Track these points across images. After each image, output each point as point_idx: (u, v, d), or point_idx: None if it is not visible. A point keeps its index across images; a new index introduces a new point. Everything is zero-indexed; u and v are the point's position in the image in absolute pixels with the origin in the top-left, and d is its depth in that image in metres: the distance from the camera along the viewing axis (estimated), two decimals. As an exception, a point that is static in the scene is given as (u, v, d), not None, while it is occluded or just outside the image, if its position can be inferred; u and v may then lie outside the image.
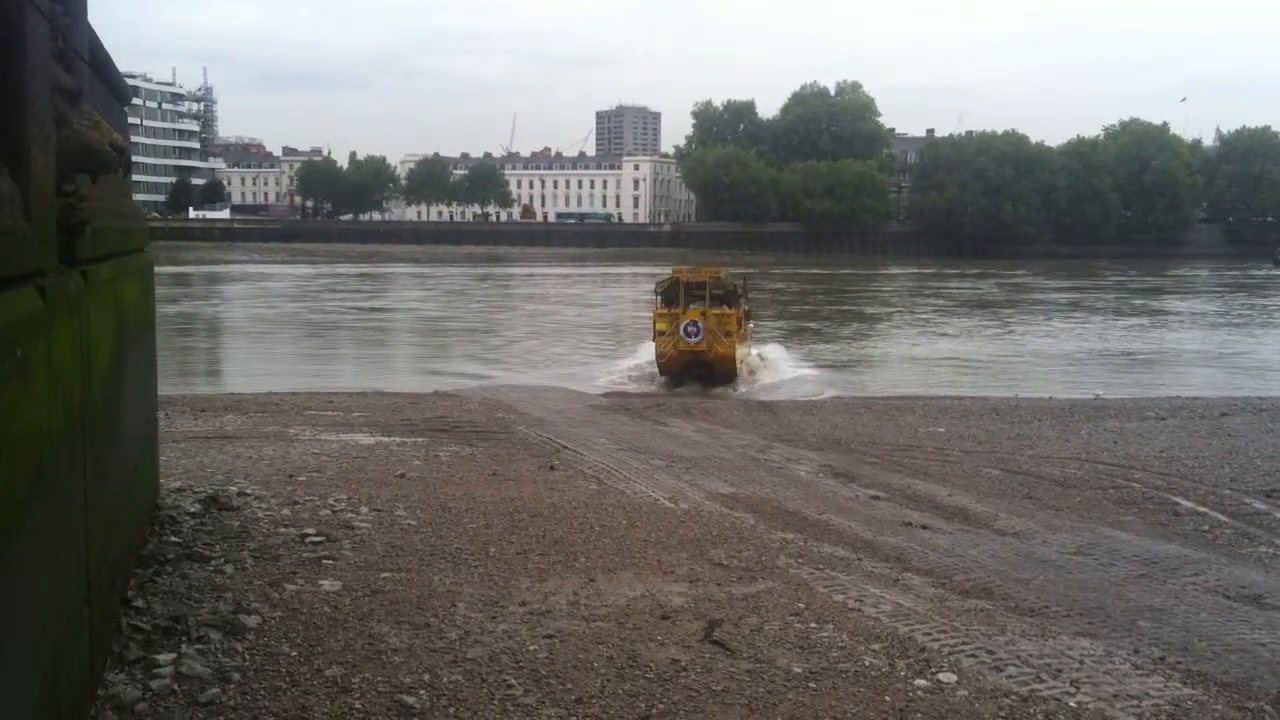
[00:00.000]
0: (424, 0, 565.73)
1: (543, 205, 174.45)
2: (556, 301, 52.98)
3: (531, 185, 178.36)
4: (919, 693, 5.29)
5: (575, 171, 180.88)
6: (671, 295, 23.05)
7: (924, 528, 9.11)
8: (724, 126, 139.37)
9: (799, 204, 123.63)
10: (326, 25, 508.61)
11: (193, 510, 8.05)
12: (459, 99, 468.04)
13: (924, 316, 45.63)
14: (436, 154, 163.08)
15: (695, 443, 13.92)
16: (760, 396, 20.95)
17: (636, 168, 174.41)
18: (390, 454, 11.83)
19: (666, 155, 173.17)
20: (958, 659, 5.76)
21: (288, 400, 17.09)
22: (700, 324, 21.58)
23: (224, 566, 6.74)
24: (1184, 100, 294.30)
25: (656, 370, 22.78)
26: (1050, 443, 14.35)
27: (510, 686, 5.14)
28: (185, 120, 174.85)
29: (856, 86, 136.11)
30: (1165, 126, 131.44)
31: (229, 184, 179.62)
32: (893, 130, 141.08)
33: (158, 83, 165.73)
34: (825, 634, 6.09)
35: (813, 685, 5.34)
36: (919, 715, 5.04)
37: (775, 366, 25.54)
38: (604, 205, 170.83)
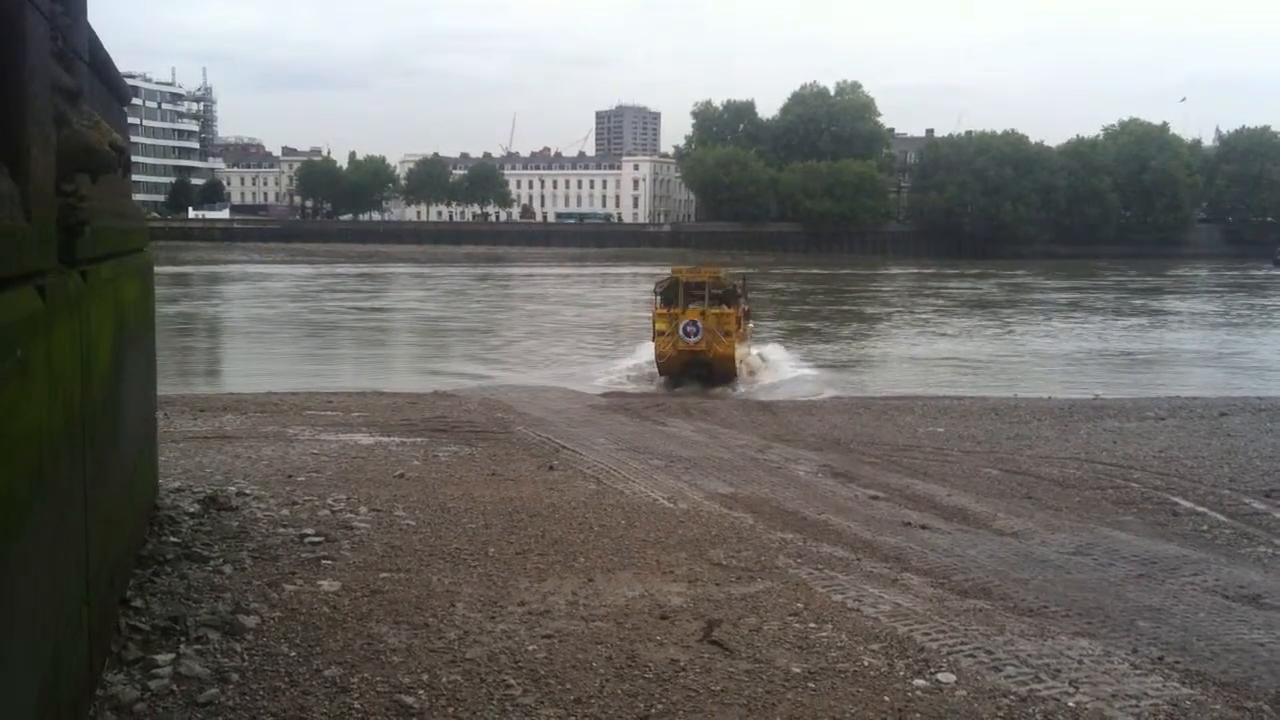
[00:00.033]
0: (423, 0, 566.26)
1: (542, 205, 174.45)
2: (556, 301, 52.98)
3: (531, 185, 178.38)
4: (918, 693, 5.30)
5: (575, 171, 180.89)
6: (671, 295, 23.05)
7: (923, 528, 9.12)
8: (724, 126, 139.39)
9: (799, 204, 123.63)
10: (326, 25, 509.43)
11: (192, 510, 8.05)
12: (458, 99, 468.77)
13: (923, 316, 45.63)
14: (436, 154, 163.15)
15: (694, 443, 13.93)
16: (759, 396, 20.94)
17: (636, 168, 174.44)
18: (389, 454, 11.83)
19: (666, 155, 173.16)
20: (956, 659, 5.77)
21: (287, 400, 17.09)
22: (699, 324, 21.58)
23: (223, 567, 6.74)
24: (1184, 100, 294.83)
25: (656, 370, 22.77)
26: (1049, 443, 14.35)
27: (509, 686, 5.15)
28: (185, 120, 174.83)
29: (856, 86, 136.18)
30: (1165, 126, 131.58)
31: (228, 184, 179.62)
32: (893, 130, 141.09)
33: (157, 83, 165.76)
34: (824, 634, 6.10)
35: (811, 685, 5.34)
36: (918, 715, 5.05)
37: (775, 366, 25.53)
38: (604, 205, 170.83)
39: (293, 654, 5.38)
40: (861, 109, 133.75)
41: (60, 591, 3.72)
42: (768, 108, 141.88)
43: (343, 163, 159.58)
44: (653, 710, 4.98)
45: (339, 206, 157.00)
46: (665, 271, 26.14)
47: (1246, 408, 18.14)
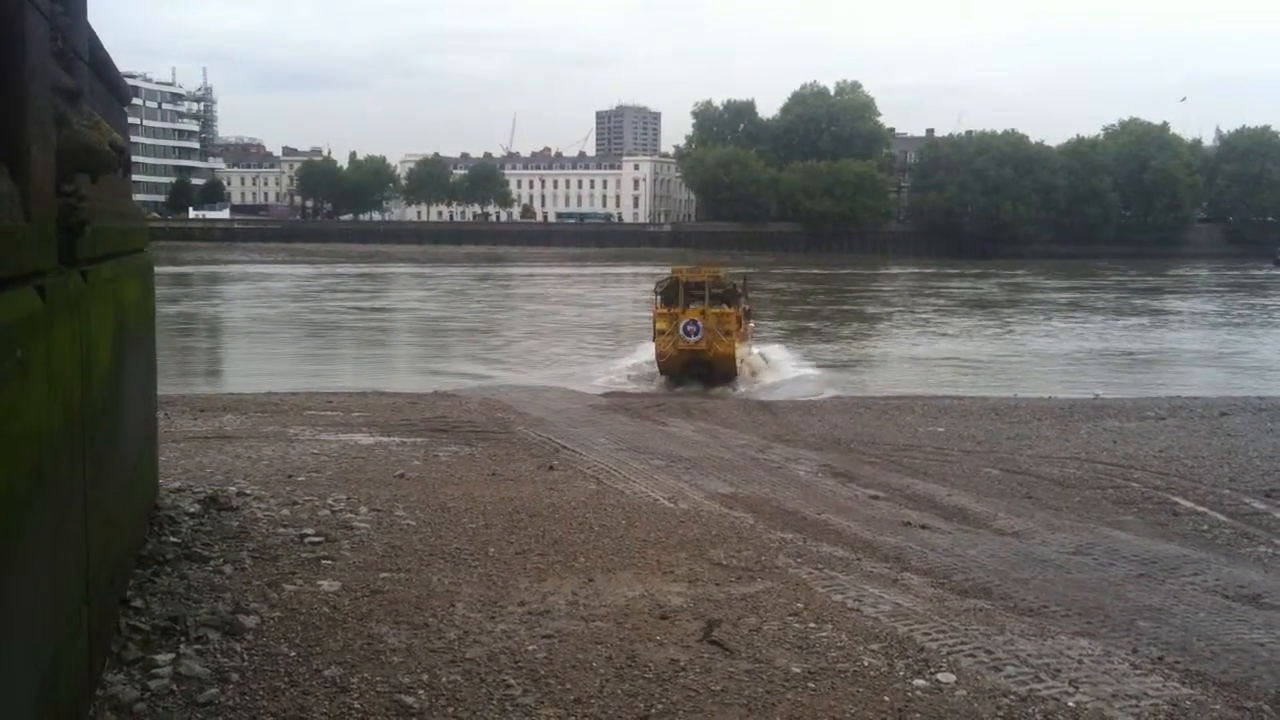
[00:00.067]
0: (423, 0, 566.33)
1: (543, 205, 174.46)
2: (556, 301, 52.98)
3: (531, 185, 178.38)
4: (918, 692, 5.30)
5: (575, 171, 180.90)
6: (671, 295, 23.04)
7: (923, 527, 9.12)
8: (724, 126, 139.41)
9: (799, 204, 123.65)
10: (326, 25, 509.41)
11: (192, 510, 8.05)
12: (458, 99, 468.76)
13: (924, 316, 45.63)
14: (436, 154, 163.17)
15: (695, 442, 13.93)
16: (760, 396, 20.95)
17: (636, 168, 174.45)
18: (390, 454, 11.83)
19: (666, 155, 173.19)
20: (956, 659, 5.77)
21: (287, 400, 17.09)
22: (700, 323, 21.58)
23: (223, 567, 6.74)
24: (1184, 100, 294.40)
25: (656, 370, 22.78)
26: (1050, 442, 14.35)
27: (509, 686, 5.15)
28: (185, 120, 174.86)
29: (856, 86, 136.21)
30: (1165, 126, 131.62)
31: (229, 184, 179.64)
32: (893, 130, 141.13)
33: (158, 83, 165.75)
34: (824, 634, 6.10)
35: (811, 685, 5.34)
36: (918, 715, 5.05)
37: (776, 366, 25.55)
38: (604, 205, 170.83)
39: (293, 654, 5.38)
40: (861, 109, 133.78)
41: (60, 591, 3.72)
42: (768, 108, 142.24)
43: (343, 163, 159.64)
44: (653, 710, 4.98)
45: (339, 206, 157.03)
46: (665, 271, 26.12)
47: (1247, 407, 18.14)
